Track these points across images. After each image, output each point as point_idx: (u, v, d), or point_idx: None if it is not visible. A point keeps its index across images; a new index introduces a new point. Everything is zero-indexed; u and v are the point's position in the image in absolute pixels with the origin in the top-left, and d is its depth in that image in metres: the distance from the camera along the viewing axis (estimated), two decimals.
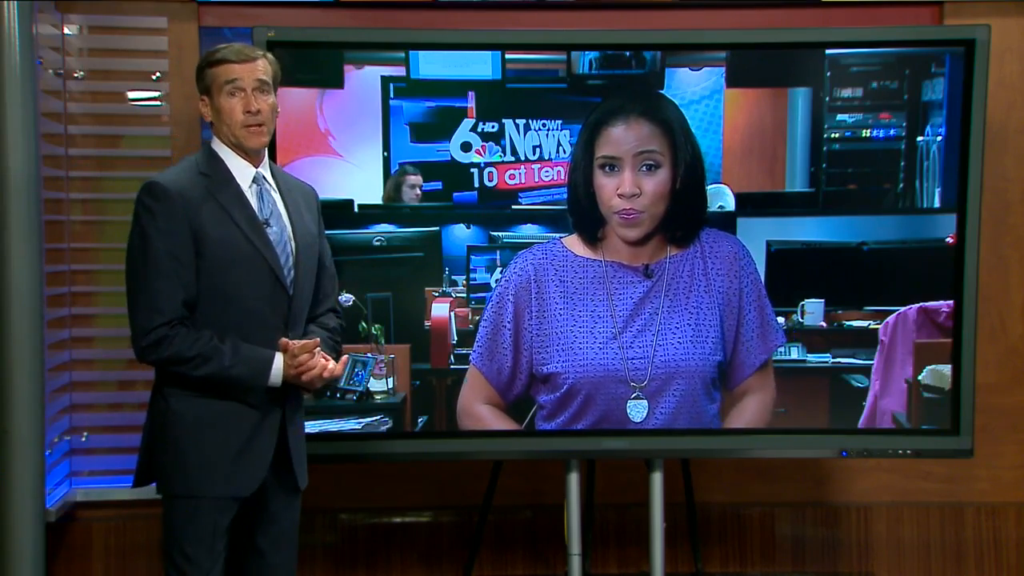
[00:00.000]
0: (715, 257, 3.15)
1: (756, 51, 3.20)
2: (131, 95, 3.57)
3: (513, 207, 3.17)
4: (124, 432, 3.46)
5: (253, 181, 2.57)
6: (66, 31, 3.51)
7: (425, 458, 3.34)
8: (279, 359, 2.50)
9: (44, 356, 3.23)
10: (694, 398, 3.14)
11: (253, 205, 2.54)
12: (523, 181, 3.16)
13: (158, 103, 3.56)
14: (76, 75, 3.53)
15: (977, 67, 3.14)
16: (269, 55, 2.60)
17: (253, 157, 2.58)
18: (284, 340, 2.50)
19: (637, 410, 3.12)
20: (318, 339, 2.56)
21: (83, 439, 3.55)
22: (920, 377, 3.23)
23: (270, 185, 2.61)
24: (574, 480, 3.24)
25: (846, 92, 3.20)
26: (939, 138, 3.19)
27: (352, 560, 3.70)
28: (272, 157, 3.01)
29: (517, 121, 3.15)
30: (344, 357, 2.65)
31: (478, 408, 3.16)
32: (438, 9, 3.61)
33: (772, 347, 3.18)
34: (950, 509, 3.76)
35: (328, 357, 2.58)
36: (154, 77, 3.55)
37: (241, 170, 2.56)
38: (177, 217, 2.46)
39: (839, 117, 3.20)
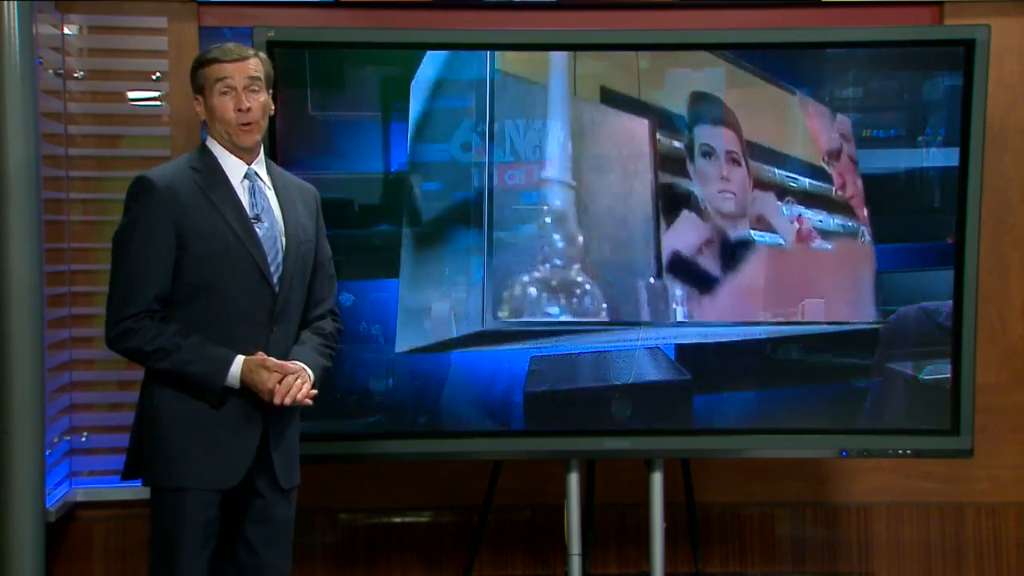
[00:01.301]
0: None
1: (756, 51, 3.20)
2: (131, 95, 3.57)
3: (513, 207, 3.17)
4: (124, 432, 3.39)
5: (245, 177, 2.59)
6: (66, 31, 3.51)
7: (425, 458, 3.34)
8: (239, 362, 2.49)
9: (44, 356, 3.23)
10: None
11: (243, 200, 2.56)
12: (523, 182, 3.16)
13: (158, 103, 3.56)
14: (76, 75, 3.53)
15: (977, 67, 3.14)
16: (261, 54, 2.63)
17: (246, 154, 2.60)
18: (261, 355, 2.50)
19: None
20: (302, 366, 2.54)
21: (83, 439, 3.54)
22: (920, 377, 3.23)
23: (263, 182, 2.62)
24: (574, 480, 3.24)
25: (846, 92, 3.20)
26: (939, 138, 3.19)
27: (352, 560, 3.70)
28: (274, 156, 3.02)
29: (517, 121, 3.15)
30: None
31: None
32: (438, 9, 3.61)
33: None
34: (950, 509, 3.76)
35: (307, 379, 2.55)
36: (154, 77, 3.55)
37: (233, 166, 2.58)
38: (160, 211, 2.49)
39: (839, 117, 3.20)
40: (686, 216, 3.08)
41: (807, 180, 3.17)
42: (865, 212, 3.19)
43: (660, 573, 3.22)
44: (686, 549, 3.61)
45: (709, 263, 3.09)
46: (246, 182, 2.58)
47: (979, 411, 3.28)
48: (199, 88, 2.58)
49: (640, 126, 2.92)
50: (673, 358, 3.15)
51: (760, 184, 3.15)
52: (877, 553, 3.76)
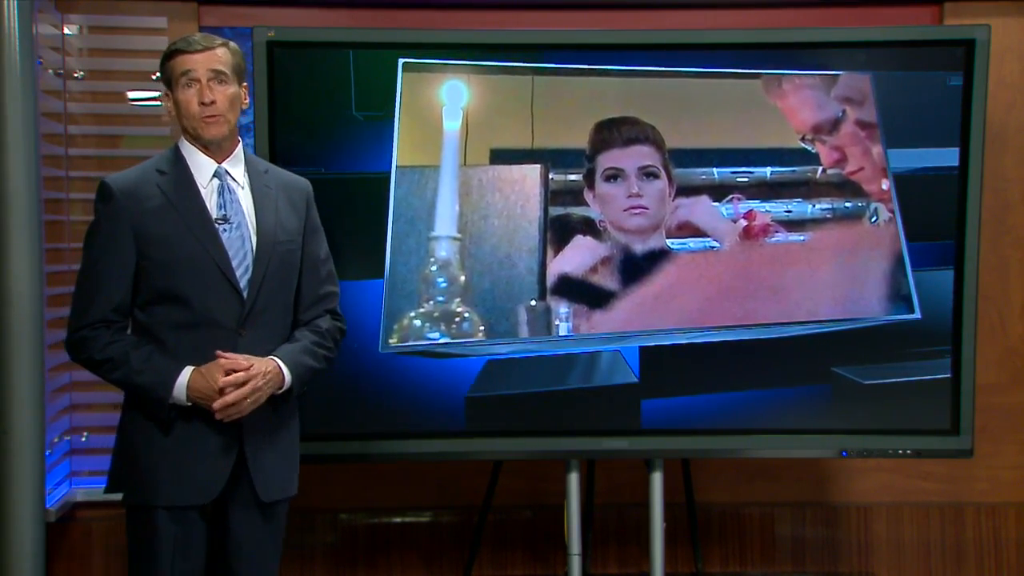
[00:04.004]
0: None
1: (756, 51, 3.20)
2: (131, 95, 3.58)
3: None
4: None
5: (214, 176, 2.52)
6: (66, 31, 3.51)
7: (425, 458, 3.34)
8: (186, 374, 2.41)
9: (44, 356, 3.22)
10: None
11: (209, 202, 2.49)
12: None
13: (158, 103, 3.55)
14: (76, 75, 3.53)
15: (977, 67, 3.14)
16: (231, 44, 2.54)
17: (216, 152, 2.53)
18: (219, 352, 2.43)
19: None
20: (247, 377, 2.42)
21: (83, 439, 3.54)
22: (920, 377, 3.22)
23: (235, 181, 2.54)
24: (574, 480, 3.24)
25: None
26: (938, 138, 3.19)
27: (352, 560, 3.70)
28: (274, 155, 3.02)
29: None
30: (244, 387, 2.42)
31: None
32: (438, 9, 3.61)
33: None
34: (950, 509, 3.76)
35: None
36: (154, 77, 3.52)
37: (201, 166, 2.52)
38: (118, 219, 2.44)
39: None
40: (578, 241, 3.14)
41: (768, 170, 3.15)
42: (883, 184, 3.17)
43: (660, 573, 3.22)
44: (686, 549, 3.61)
45: (605, 279, 3.15)
46: (215, 181, 2.51)
47: (979, 411, 3.28)
48: (167, 83, 2.52)
49: (531, 172, 3.13)
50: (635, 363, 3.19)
51: (688, 191, 3.15)
52: (877, 553, 3.76)
